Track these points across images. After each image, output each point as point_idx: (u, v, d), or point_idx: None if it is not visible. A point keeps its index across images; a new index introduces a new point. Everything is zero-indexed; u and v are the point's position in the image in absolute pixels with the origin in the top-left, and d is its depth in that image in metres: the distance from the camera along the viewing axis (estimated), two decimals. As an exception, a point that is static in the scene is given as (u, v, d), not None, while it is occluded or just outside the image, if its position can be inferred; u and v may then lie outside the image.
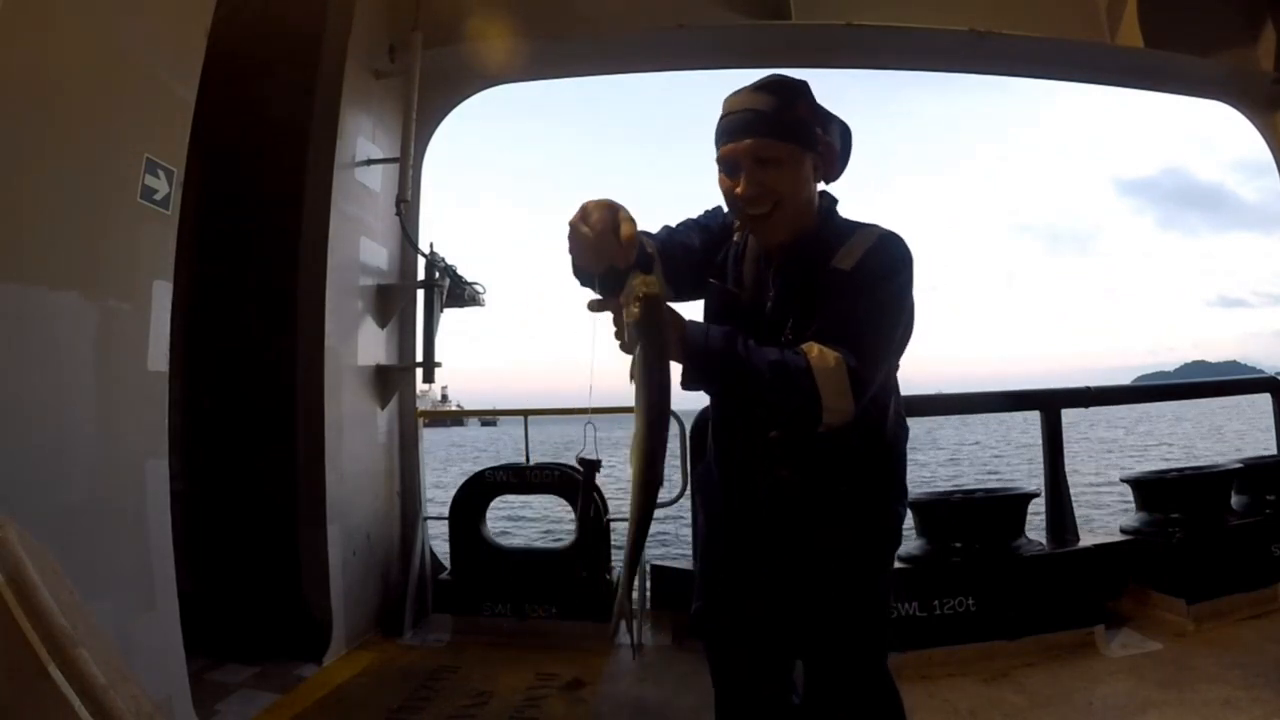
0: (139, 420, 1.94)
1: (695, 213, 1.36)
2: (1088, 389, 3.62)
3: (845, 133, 1.22)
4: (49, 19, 1.65)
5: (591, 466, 2.09)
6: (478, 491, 3.48)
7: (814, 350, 1.05)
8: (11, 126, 1.57)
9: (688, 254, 1.26)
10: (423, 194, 3.89)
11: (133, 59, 1.88)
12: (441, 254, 3.67)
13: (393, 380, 3.62)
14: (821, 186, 1.25)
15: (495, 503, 3.56)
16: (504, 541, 3.83)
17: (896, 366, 1.25)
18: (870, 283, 1.13)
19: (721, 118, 1.17)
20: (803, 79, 1.18)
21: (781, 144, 1.12)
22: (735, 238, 1.32)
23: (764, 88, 1.15)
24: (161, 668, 1.93)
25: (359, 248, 3.39)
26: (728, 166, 1.16)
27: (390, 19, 3.51)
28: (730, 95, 1.18)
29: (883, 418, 1.25)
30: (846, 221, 1.24)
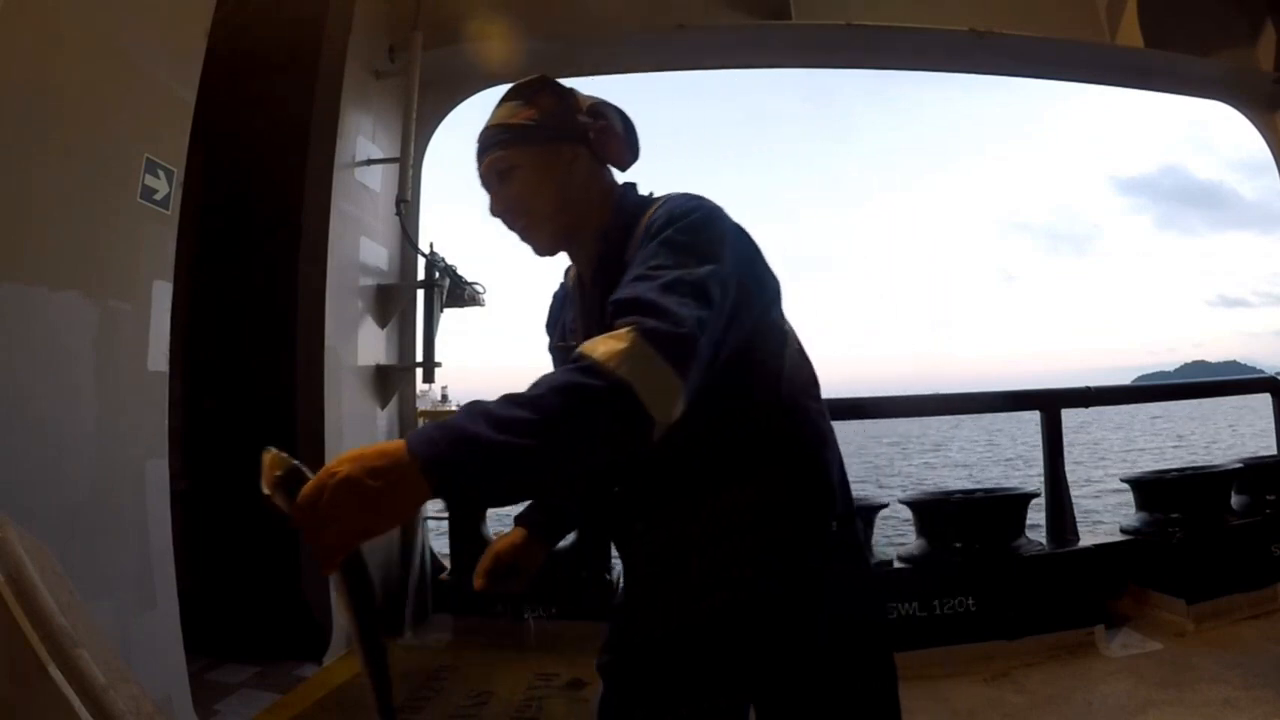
0: (139, 420, 1.94)
1: None
2: (1088, 389, 3.62)
3: (622, 115, 1.07)
4: (49, 19, 1.65)
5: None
6: (478, 491, 3.48)
7: (595, 344, 0.74)
8: (11, 126, 1.57)
9: None
10: (423, 194, 3.90)
11: (133, 59, 1.88)
12: (441, 254, 3.68)
13: (393, 380, 3.61)
14: (623, 177, 1.08)
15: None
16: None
17: (779, 334, 0.99)
18: (659, 231, 0.88)
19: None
20: (541, 75, 1.05)
21: (513, 151, 1.00)
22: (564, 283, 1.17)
23: (502, 100, 1.05)
24: (161, 668, 1.93)
25: (359, 248, 3.39)
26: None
27: (390, 19, 3.51)
28: None
29: (755, 411, 0.94)
30: (642, 199, 1.04)
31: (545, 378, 0.73)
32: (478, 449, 0.66)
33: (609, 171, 1.07)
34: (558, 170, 1.00)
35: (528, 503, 1.20)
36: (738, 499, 0.92)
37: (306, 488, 0.66)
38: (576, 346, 0.80)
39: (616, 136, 1.05)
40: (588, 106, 1.04)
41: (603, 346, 0.73)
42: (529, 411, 0.68)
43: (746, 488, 0.92)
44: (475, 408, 0.70)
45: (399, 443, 0.67)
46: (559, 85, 1.04)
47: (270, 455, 0.71)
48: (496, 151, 1.00)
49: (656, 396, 0.72)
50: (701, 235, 0.88)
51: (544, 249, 1.05)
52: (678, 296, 0.78)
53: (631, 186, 1.07)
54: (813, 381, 1.02)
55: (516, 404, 0.69)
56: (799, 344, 1.02)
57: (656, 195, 1.02)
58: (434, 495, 0.66)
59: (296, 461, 0.70)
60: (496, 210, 1.03)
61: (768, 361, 0.96)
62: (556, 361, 1.12)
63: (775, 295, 1.01)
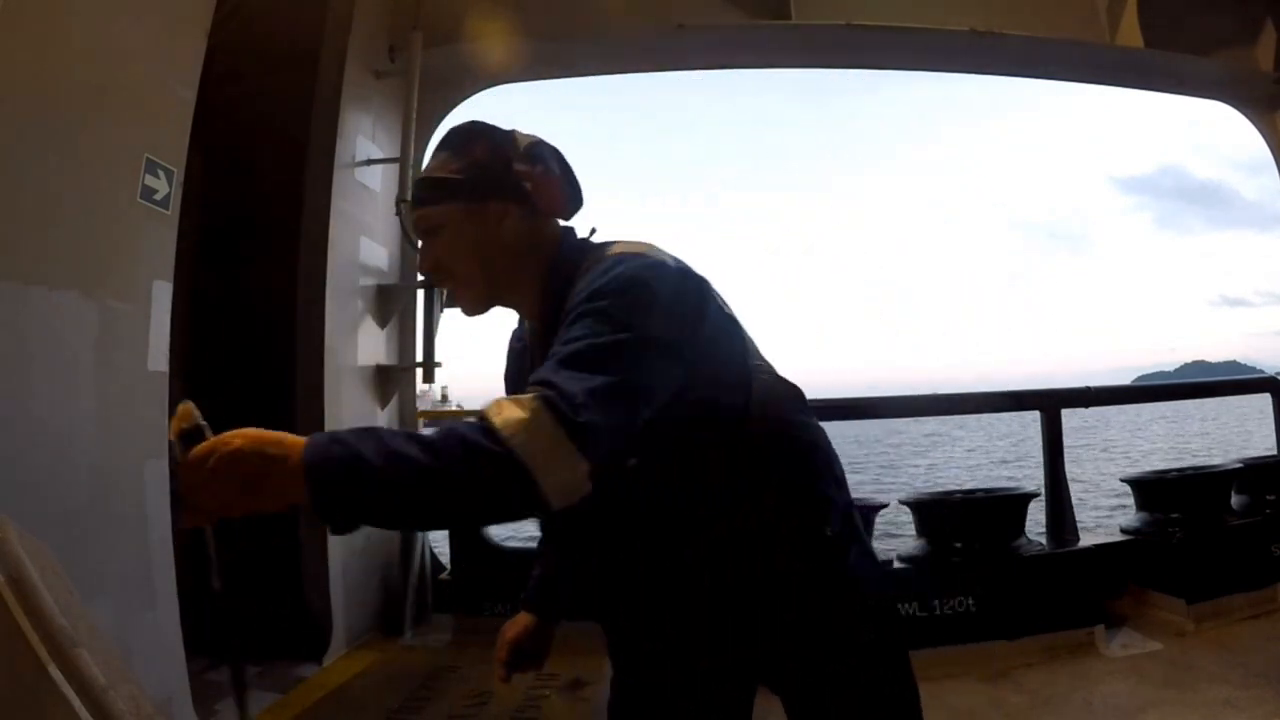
0: (139, 420, 1.94)
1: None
2: (1088, 389, 3.63)
3: (560, 158, 1.00)
4: (49, 19, 1.65)
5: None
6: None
7: (501, 406, 0.73)
8: (12, 126, 1.57)
9: None
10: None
11: (133, 59, 1.88)
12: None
13: (393, 380, 3.62)
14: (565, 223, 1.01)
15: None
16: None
17: (739, 375, 0.95)
18: (596, 297, 0.83)
19: None
20: (473, 122, 0.98)
21: (435, 209, 0.94)
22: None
23: (436, 147, 0.98)
24: (161, 668, 1.93)
25: (359, 248, 3.39)
26: None
27: (390, 19, 3.52)
28: None
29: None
30: (582, 246, 0.97)
31: (454, 426, 0.73)
32: (360, 472, 0.68)
33: (550, 222, 0.98)
34: (484, 230, 0.94)
35: (534, 583, 1.21)
36: (734, 526, 0.93)
37: (201, 446, 0.72)
38: None
39: (554, 184, 0.96)
40: (525, 147, 0.95)
41: (507, 411, 0.72)
42: (421, 452, 0.69)
43: (738, 516, 0.93)
44: (378, 433, 0.73)
45: (303, 439, 0.72)
46: (493, 131, 0.96)
47: (184, 406, 0.77)
48: (423, 208, 0.96)
49: (552, 471, 0.71)
50: (623, 302, 0.82)
51: (469, 310, 1.00)
52: (604, 367, 0.76)
53: (570, 232, 1.00)
54: (795, 396, 1.00)
55: (415, 442, 0.71)
56: (771, 372, 1.00)
57: (608, 240, 0.97)
58: (308, 503, 0.69)
59: (204, 422, 0.76)
60: (423, 268, 0.98)
61: (726, 401, 0.93)
62: None
63: (729, 346, 0.96)
